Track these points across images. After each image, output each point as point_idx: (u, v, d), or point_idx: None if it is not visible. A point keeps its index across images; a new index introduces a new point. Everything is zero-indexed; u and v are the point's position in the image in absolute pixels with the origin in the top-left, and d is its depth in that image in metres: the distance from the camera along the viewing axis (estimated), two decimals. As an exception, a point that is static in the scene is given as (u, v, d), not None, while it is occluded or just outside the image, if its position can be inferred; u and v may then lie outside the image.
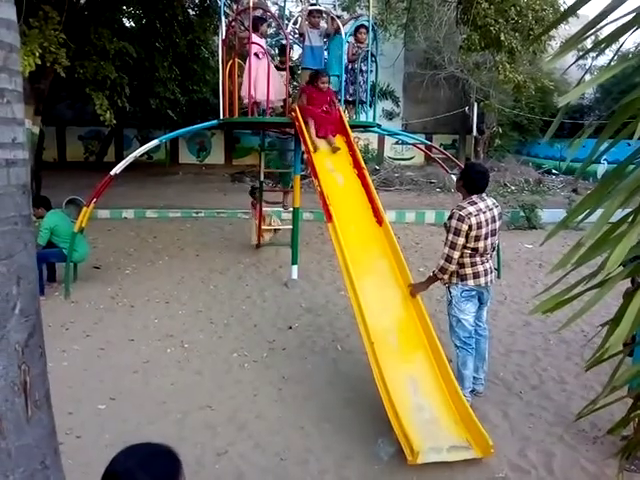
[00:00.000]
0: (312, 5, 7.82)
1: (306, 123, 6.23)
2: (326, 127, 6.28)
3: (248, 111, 7.15)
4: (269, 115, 7.12)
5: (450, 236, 4.19)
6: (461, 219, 4.15)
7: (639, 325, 1.34)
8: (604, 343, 1.43)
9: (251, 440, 3.91)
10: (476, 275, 4.26)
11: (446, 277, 4.29)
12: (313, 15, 7.04)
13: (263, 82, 6.87)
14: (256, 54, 6.96)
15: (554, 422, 4.19)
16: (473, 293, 4.32)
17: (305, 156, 6.54)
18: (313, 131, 6.19)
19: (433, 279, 4.41)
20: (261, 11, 7.91)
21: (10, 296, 1.66)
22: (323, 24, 7.25)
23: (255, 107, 7.09)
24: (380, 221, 5.33)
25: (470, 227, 4.14)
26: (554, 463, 3.67)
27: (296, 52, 7.33)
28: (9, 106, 1.62)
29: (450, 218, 4.22)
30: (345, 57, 7.24)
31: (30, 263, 1.77)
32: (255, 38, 6.99)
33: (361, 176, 5.88)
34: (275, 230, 9.45)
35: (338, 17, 7.51)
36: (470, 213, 4.16)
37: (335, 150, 6.09)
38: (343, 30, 7.27)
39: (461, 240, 4.16)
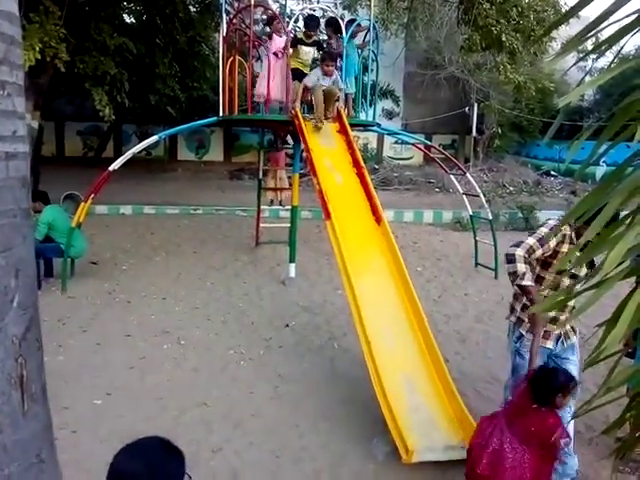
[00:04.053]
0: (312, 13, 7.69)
1: None
2: None
3: (265, 108, 7.15)
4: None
5: None
6: None
7: (638, 324, 1.35)
8: (601, 343, 1.43)
9: (246, 438, 3.91)
10: None
11: None
12: (327, 63, 6.69)
13: (277, 81, 6.93)
14: (275, 53, 6.99)
15: (549, 423, 4.19)
16: None
17: (304, 154, 6.54)
18: None
19: None
20: (262, 9, 7.93)
21: (8, 289, 1.66)
22: (336, 73, 6.85)
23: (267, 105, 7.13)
24: (378, 220, 5.34)
25: None
26: (549, 464, 3.67)
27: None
28: (10, 99, 1.62)
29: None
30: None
31: (28, 256, 1.77)
32: (276, 37, 7.07)
33: (360, 175, 5.88)
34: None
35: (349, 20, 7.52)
36: None
37: None
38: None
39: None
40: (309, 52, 7.03)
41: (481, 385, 4.80)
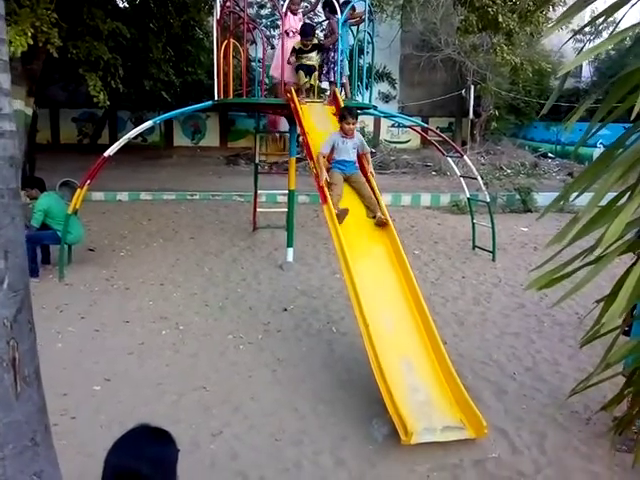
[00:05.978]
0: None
1: None
2: None
3: (280, 91, 7.05)
4: None
5: None
6: None
7: (637, 299, 1.33)
8: (600, 318, 1.41)
9: (246, 421, 3.92)
10: None
11: None
12: (347, 121, 5.44)
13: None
14: (287, 32, 6.90)
15: (547, 403, 4.21)
16: None
17: (301, 138, 6.49)
18: None
19: None
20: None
21: (-2, 270, 1.64)
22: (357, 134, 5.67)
23: (280, 86, 7.04)
24: (376, 203, 5.29)
25: None
26: (547, 443, 3.69)
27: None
28: (-6, 75, 1.58)
29: None
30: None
31: (18, 237, 1.74)
32: (290, 16, 6.99)
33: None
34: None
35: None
36: None
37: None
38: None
39: None
40: (311, 57, 6.90)
41: (479, 366, 4.81)
